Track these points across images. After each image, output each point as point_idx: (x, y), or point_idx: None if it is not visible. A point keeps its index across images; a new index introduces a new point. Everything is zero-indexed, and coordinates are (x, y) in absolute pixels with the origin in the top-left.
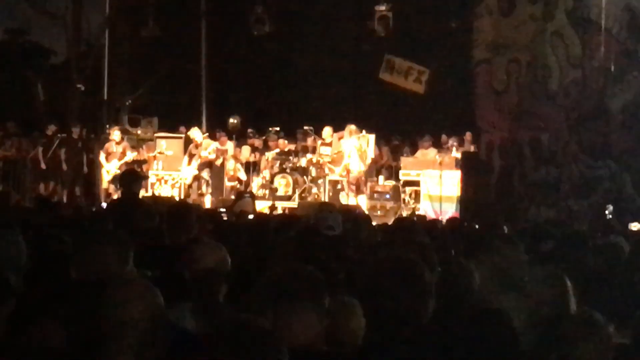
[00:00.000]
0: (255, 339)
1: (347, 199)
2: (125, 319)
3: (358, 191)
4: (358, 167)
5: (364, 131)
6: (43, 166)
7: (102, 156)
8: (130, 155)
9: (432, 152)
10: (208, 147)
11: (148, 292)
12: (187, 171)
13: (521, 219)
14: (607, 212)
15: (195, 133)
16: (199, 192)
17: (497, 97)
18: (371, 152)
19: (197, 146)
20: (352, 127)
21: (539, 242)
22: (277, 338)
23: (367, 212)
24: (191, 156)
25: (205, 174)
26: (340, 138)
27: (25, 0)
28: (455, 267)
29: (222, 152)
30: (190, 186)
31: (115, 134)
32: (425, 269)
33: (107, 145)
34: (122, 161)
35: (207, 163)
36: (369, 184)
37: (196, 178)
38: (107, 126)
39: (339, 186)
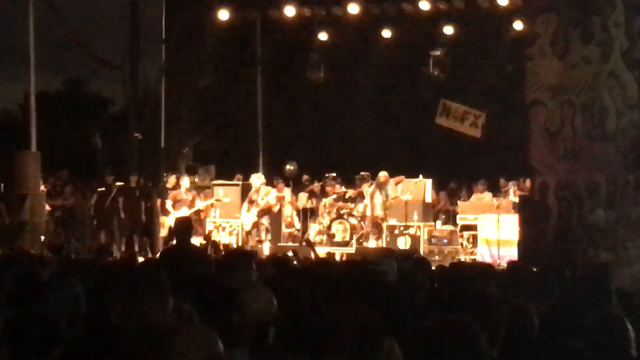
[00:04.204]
0: None
1: (367, 243)
2: None
3: (380, 235)
4: (373, 212)
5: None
6: (94, 214)
7: (169, 203)
8: (201, 204)
9: (487, 196)
10: (268, 194)
11: (208, 340)
12: (247, 217)
13: (579, 263)
14: None
15: (255, 179)
16: (258, 238)
17: (551, 139)
18: (428, 196)
19: (257, 192)
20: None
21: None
22: None
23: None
24: (251, 202)
25: (265, 220)
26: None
27: (83, 51)
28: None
29: (279, 199)
30: (249, 233)
31: (185, 180)
32: (481, 333)
33: (175, 192)
34: (193, 209)
35: (267, 209)
36: (426, 229)
37: (255, 225)
38: (165, 174)
39: (361, 231)
